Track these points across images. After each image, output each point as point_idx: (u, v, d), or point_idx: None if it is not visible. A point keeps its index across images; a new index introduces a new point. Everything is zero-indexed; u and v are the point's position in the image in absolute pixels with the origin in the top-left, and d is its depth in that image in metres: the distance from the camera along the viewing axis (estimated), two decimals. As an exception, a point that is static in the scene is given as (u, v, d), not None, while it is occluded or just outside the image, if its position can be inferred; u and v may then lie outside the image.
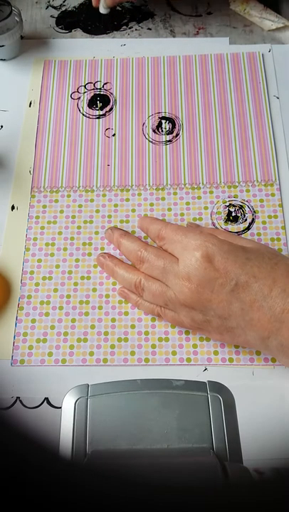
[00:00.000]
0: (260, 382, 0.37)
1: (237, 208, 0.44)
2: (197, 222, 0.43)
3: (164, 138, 0.48)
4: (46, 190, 0.45)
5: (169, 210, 0.44)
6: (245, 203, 0.44)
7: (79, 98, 0.50)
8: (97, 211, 0.44)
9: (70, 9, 0.57)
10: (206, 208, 0.44)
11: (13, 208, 0.45)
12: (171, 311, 0.37)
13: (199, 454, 0.31)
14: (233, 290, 0.33)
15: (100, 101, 0.50)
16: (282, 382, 0.37)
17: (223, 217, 0.43)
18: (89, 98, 0.50)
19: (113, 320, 0.39)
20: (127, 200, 0.45)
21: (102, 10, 0.48)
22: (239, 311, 0.33)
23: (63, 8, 0.57)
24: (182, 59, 0.52)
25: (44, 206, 0.45)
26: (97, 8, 0.53)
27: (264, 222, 0.43)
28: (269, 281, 0.33)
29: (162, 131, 0.48)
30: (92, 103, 0.50)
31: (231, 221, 0.43)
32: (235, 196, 0.44)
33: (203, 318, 0.35)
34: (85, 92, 0.51)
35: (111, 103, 0.50)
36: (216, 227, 0.43)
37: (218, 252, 0.34)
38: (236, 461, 0.32)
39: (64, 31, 0.55)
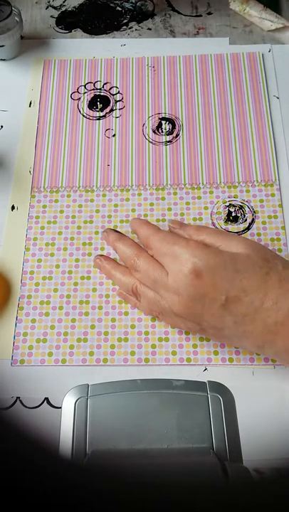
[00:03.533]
0: (260, 382, 0.37)
1: (237, 208, 0.44)
2: (197, 222, 0.43)
3: (164, 138, 0.48)
4: (46, 190, 0.45)
5: (169, 210, 0.44)
6: (245, 203, 0.44)
7: (79, 99, 0.50)
8: (97, 211, 0.44)
9: (70, 9, 0.57)
10: (206, 208, 0.44)
11: (13, 208, 0.45)
12: (167, 317, 0.37)
13: (199, 454, 0.31)
14: (223, 305, 0.32)
15: (100, 102, 0.50)
16: (282, 382, 0.37)
17: (223, 218, 0.43)
18: (89, 99, 0.50)
19: (113, 320, 0.39)
20: (127, 200, 0.45)
21: None
22: (232, 323, 0.33)
23: (63, 8, 0.57)
24: (182, 59, 0.52)
25: (44, 206, 0.45)
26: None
27: (264, 223, 0.43)
28: (260, 294, 0.32)
29: (162, 131, 0.48)
30: (92, 104, 0.50)
31: (231, 221, 0.43)
32: (235, 196, 0.44)
33: (198, 327, 0.35)
34: (85, 93, 0.51)
35: (111, 104, 0.50)
36: (216, 227, 0.43)
37: (205, 268, 0.33)
38: (236, 461, 0.32)
39: (64, 31, 0.55)
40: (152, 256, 0.37)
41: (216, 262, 0.33)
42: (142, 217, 0.44)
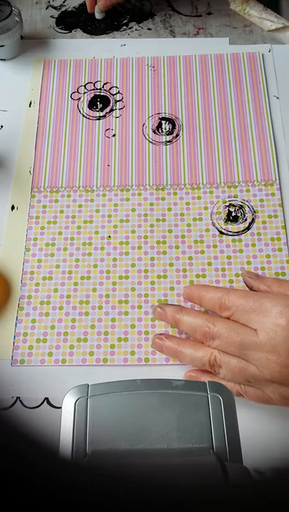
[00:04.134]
0: (260, 382, 0.37)
1: (237, 207, 0.44)
2: (197, 222, 0.43)
3: (164, 138, 0.48)
4: (46, 190, 0.45)
5: (169, 210, 0.44)
6: (245, 202, 0.44)
7: (79, 99, 0.50)
8: (97, 211, 0.44)
9: (70, 9, 0.57)
10: (206, 208, 0.44)
11: (13, 208, 0.45)
12: (253, 388, 0.33)
13: (199, 454, 0.31)
14: None
15: (100, 102, 0.50)
16: (282, 382, 0.37)
17: (223, 217, 0.43)
18: (89, 99, 0.50)
19: (113, 320, 0.39)
20: (127, 199, 0.45)
21: (98, 15, 0.52)
22: None
23: (63, 9, 0.57)
24: (182, 59, 0.52)
25: (44, 206, 0.45)
26: (94, 13, 0.55)
27: (264, 222, 0.43)
28: None
29: (162, 131, 0.48)
30: (92, 104, 0.50)
31: (231, 221, 0.43)
32: (235, 196, 0.44)
33: None
34: (85, 93, 0.51)
35: (111, 104, 0.50)
36: (216, 227, 0.43)
37: None
38: (236, 461, 0.31)
39: (64, 31, 0.55)
40: (228, 318, 0.33)
41: None
42: (142, 217, 0.44)
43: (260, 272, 0.40)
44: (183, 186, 0.45)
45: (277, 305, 0.31)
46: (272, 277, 0.36)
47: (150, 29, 0.55)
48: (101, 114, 0.49)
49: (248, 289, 0.37)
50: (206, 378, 0.34)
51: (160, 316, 0.37)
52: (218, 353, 0.33)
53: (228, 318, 0.33)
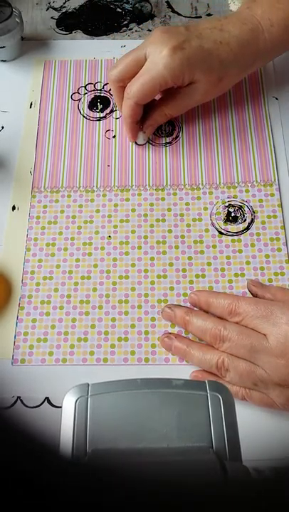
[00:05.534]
0: (259, 382, 0.37)
1: (236, 208, 0.44)
2: (197, 222, 0.43)
3: (164, 140, 0.48)
4: (47, 191, 0.46)
5: (169, 210, 0.44)
6: (245, 203, 0.44)
7: (79, 99, 0.51)
8: (98, 211, 0.44)
9: (70, 10, 0.57)
10: (205, 208, 0.44)
11: (13, 208, 0.45)
12: (259, 393, 0.34)
13: (199, 453, 0.31)
14: None
15: (101, 103, 0.50)
16: (281, 381, 0.37)
17: (222, 218, 0.44)
18: (89, 100, 0.51)
19: (113, 319, 0.40)
20: (127, 200, 0.45)
21: (141, 141, 0.47)
22: None
23: (64, 10, 0.57)
24: (182, 60, 0.52)
25: (45, 206, 0.45)
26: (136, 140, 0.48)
27: (263, 222, 0.43)
28: None
29: (162, 133, 0.48)
30: (92, 105, 0.50)
31: (231, 221, 0.43)
32: (235, 197, 0.45)
33: None
34: (85, 93, 0.51)
35: (111, 105, 0.50)
36: (216, 228, 0.43)
37: None
38: (236, 460, 0.32)
39: (64, 32, 0.56)
40: (238, 323, 0.34)
41: None
42: (142, 218, 0.44)
43: (259, 272, 0.41)
44: (182, 187, 0.45)
45: (287, 312, 0.32)
46: (276, 286, 0.38)
47: (150, 30, 0.55)
48: (101, 115, 0.50)
49: (249, 290, 0.38)
50: (211, 379, 0.34)
51: (168, 316, 0.38)
52: (227, 356, 0.33)
53: (238, 324, 0.34)
